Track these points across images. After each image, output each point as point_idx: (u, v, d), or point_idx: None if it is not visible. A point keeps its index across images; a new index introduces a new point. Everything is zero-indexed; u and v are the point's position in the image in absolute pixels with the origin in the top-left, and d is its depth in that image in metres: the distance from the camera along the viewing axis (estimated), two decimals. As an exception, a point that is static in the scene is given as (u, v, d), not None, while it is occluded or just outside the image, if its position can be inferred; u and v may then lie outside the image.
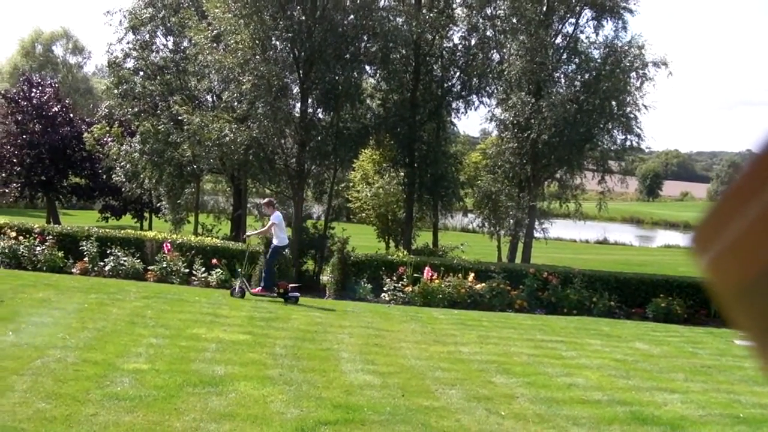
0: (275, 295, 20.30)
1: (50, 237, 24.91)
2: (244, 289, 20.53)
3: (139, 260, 23.95)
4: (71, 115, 55.53)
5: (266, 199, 23.16)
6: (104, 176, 47.84)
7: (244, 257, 22.36)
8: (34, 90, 54.17)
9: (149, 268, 23.82)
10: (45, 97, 53.69)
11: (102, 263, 23.97)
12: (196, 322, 15.31)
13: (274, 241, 20.82)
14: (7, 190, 56.89)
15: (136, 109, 38.94)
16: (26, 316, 14.24)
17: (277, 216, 20.81)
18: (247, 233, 24.30)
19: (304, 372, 11.40)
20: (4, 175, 54.46)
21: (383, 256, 26.63)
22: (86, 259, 24.15)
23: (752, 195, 0.75)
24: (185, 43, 37.56)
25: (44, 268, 23.81)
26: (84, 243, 24.35)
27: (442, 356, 13.74)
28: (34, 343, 11.69)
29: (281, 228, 21.01)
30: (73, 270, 23.92)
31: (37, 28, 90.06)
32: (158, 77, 38.40)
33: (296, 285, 21.19)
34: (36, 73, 72.50)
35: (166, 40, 40.94)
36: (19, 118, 53.33)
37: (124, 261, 23.71)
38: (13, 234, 24.80)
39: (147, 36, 40.41)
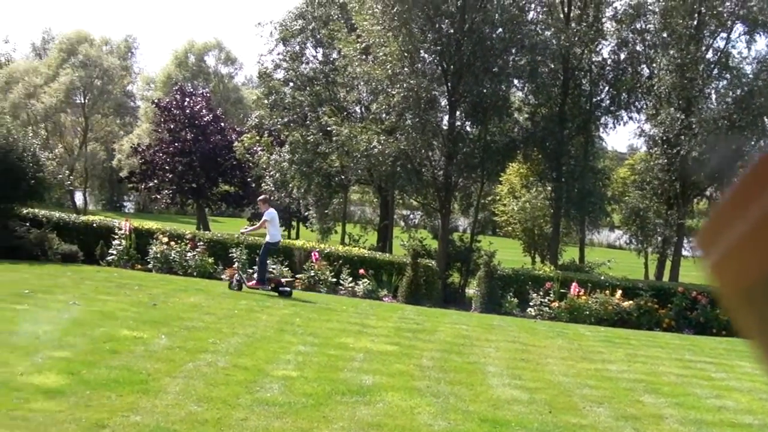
0: (269, 288, 21.11)
1: (201, 243, 25.47)
2: (242, 282, 21.32)
3: (287, 268, 24.30)
4: (222, 124, 56.74)
5: (262, 196, 24.08)
6: (254, 185, 48.80)
7: (390, 267, 22.46)
8: (186, 99, 55.54)
9: (297, 276, 24.14)
10: (197, 107, 55.00)
11: (251, 270, 24.39)
12: (343, 331, 15.44)
13: (267, 238, 21.73)
14: (159, 197, 58.52)
15: (285, 120, 39.52)
16: (178, 320, 14.59)
17: (270, 213, 21.53)
18: (242, 230, 25.14)
19: (451, 384, 11.37)
20: (156, 181, 56.02)
21: (530, 271, 26.43)
22: (236, 265, 24.59)
23: (754, 199, 0.75)
24: (334, 55, 37.95)
25: (195, 274, 24.38)
26: (234, 250, 24.80)
27: (589, 373, 13.54)
28: (186, 347, 11.96)
29: (274, 225, 21.69)
30: (222, 276, 24.39)
31: (190, 39, 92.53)
32: (308, 88, 38.90)
33: (289, 280, 22.28)
34: (188, 83, 74.41)
35: (316, 52, 41.55)
36: (172, 126, 54.78)
37: (273, 269, 24.07)
38: (165, 239, 25.44)
39: (297, 47, 41.07)
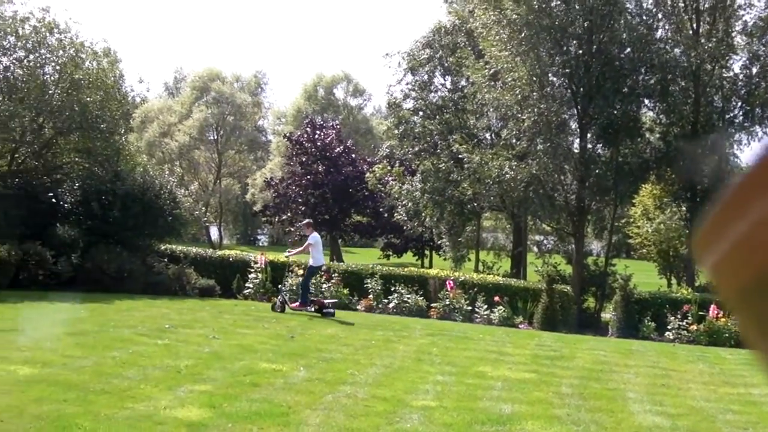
0: (312, 310, 21.42)
1: (336, 274, 25.70)
2: (285, 304, 21.65)
3: (422, 297, 24.33)
4: (353, 155, 57.32)
5: (306, 221, 24.35)
6: (386, 215, 49.14)
7: (525, 293, 22.23)
8: (317, 132, 56.34)
9: (432, 305, 24.15)
10: (328, 139, 55.72)
11: (386, 300, 24.50)
12: (481, 359, 15.35)
13: (310, 261, 22.02)
14: (292, 229, 59.32)
15: (416, 149, 39.72)
16: (316, 352, 14.71)
17: (314, 237, 22.15)
18: (287, 253, 24.58)
19: (591, 412, 11.19)
20: (289, 214, 56.87)
21: (667, 294, 25.92)
22: (371, 296, 24.75)
23: (754, 198, 0.74)
24: (463, 82, 38.04)
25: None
26: (368, 280, 24.99)
27: (731, 398, 13.16)
28: (325, 379, 12.03)
29: (317, 249, 22.19)
30: (358, 307, 24.56)
31: (319, 72, 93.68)
32: (437, 116, 39.03)
33: (332, 301, 22.40)
34: (318, 115, 75.43)
35: (444, 80, 41.68)
36: (304, 159, 55.62)
37: (408, 298, 24.14)
38: (301, 272, 25.73)
39: (425, 76, 41.27)
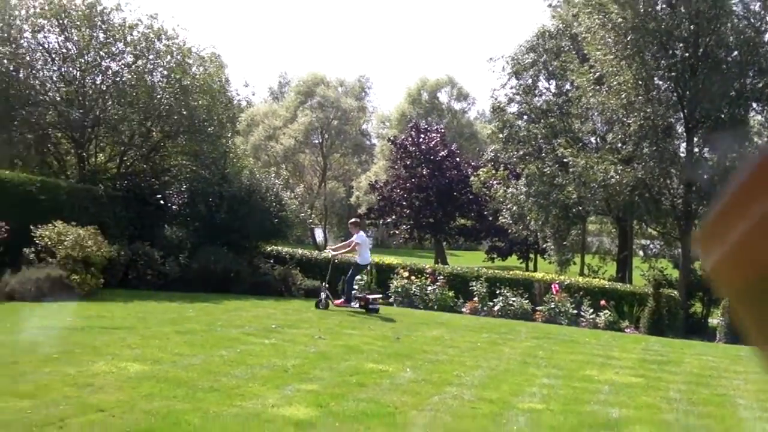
0: (357, 306, 21.46)
1: (441, 277, 25.89)
2: (328, 300, 21.52)
3: (527, 300, 24.39)
4: (457, 159, 57.30)
5: (353, 219, 24.76)
6: (490, 218, 49.11)
7: (631, 298, 22.14)
8: (421, 136, 56.47)
9: (537, 308, 24.19)
10: (432, 143, 55.81)
11: (491, 303, 24.61)
12: (587, 363, 15.33)
13: (357, 259, 22.19)
14: (397, 232, 59.59)
15: (520, 153, 39.63)
16: (422, 353, 14.80)
17: (361, 236, 22.35)
18: (330, 248, 25.43)
19: (700, 418, 11.12)
20: (394, 217, 57.17)
21: (776, 298, 25.47)
22: (476, 298, 24.86)
23: (755, 197, 0.78)
24: (567, 86, 37.90)
25: (435, 307, 24.77)
26: (474, 283, 25.12)
27: None
28: (431, 380, 12.12)
29: (365, 247, 22.34)
30: (463, 309, 24.69)
31: (423, 76, 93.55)
32: (542, 120, 38.90)
33: (377, 296, 22.52)
34: (422, 119, 75.55)
35: (549, 84, 41.52)
36: (408, 162, 55.80)
37: (513, 301, 24.21)
38: (406, 274, 25.98)
39: (529, 80, 41.16)
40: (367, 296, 22.06)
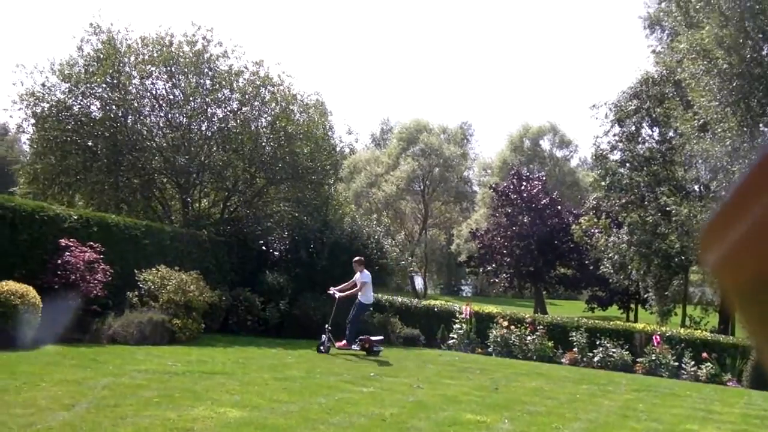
0: (358, 348, 20.65)
1: (541, 327, 25.60)
2: (330, 345, 20.67)
3: (627, 352, 23.95)
4: (558, 207, 56.95)
5: (357, 258, 22.50)
6: (591, 267, 48.56)
7: (734, 350, 21.58)
8: (523, 183, 56.30)
9: (638, 360, 23.75)
10: (534, 190, 55.59)
11: (591, 354, 24.24)
12: (688, 417, 14.99)
13: (362, 299, 21.22)
14: (496, 280, 59.29)
15: (623, 201, 39.22)
16: (520, 404, 14.62)
17: (366, 275, 21.43)
18: (335, 289, 22.16)
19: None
20: (494, 265, 56.94)
21: None
22: (575, 349, 24.53)
23: (756, 197, 0.77)
24: (671, 133, 37.42)
25: (534, 357, 24.51)
26: (573, 333, 24.80)
27: None
28: (529, 432, 12.01)
29: (370, 287, 21.50)
30: (562, 360, 24.40)
31: (525, 123, 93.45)
32: (645, 168, 38.47)
33: (379, 338, 21.51)
34: (524, 166, 75.35)
35: (652, 131, 41.07)
36: (509, 210, 55.66)
37: (613, 352, 23.82)
38: (505, 323, 25.74)
39: (633, 127, 40.77)
40: (370, 338, 21.20)
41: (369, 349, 20.75)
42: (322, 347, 20.54)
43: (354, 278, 21.79)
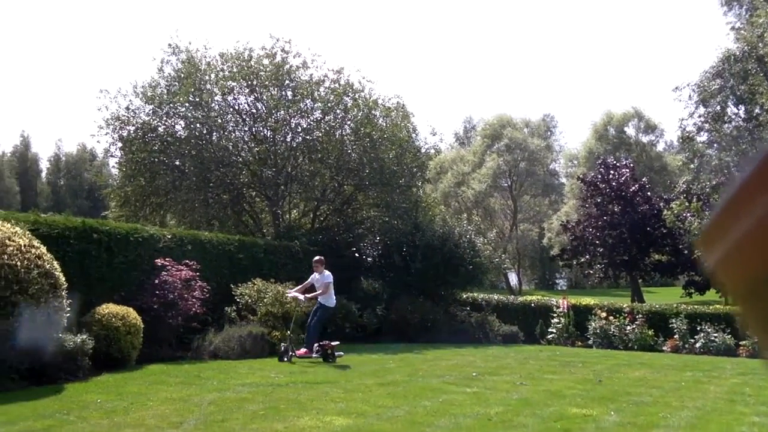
0: (317, 356, 18.72)
1: (639, 316, 25.41)
2: (291, 353, 18.58)
3: (730, 335, 23.62)
4: (648, 193, 56.24)
5: (318, 257, 20.26)
6: (686, 252, 47.88)
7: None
8: (611, 172, 55.73)
9: (741, 343, 23.39)
10: (622, 178, 54.99)
11: (692, 340, 23.98)
12: (796, 398, 14.78)
13: (324, 302, 19.37)
14: (591, 272, 58.80)
15: (713, 183, 38.64)
16: (625, 396, 14.52)
17: (329, 276, 19.48)
18: (293, 291, 20.18)
19: None
20: (587, 257, 56.46)
21: None
22: (676, 336, 24.29)
23: (757, 196, 0.78)
24: (757, 110, 36.76)
25: (635, 347, 24.33)
26: (673, 320, 24.55)
27: None
28: (636, 423, 11.83)
29: (332, 288, 19.53)
30: (663, 348, 24.18)
31: (608, 111, 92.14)
32: (733, 148, 37.83)
33: (336, 343, 19.17)
34: (610, 155, 74.46)
35: (737, 109, 40.33)
36: (599, 200, 55.12)
37: (715, 337, 23.53)
38: (603, 314, 25.61)
39: (717, 107, 40.07)
40: (331, 343, 18.97)
41: (330, 355, 18.83)
42: (285, 357, 18.46)
43: (311, 279, 19.93)
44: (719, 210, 0.85)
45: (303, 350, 19.00)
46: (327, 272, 19.59)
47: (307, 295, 19.56)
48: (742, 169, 0.82)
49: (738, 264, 0.83)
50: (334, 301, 19.84)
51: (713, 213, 0.87)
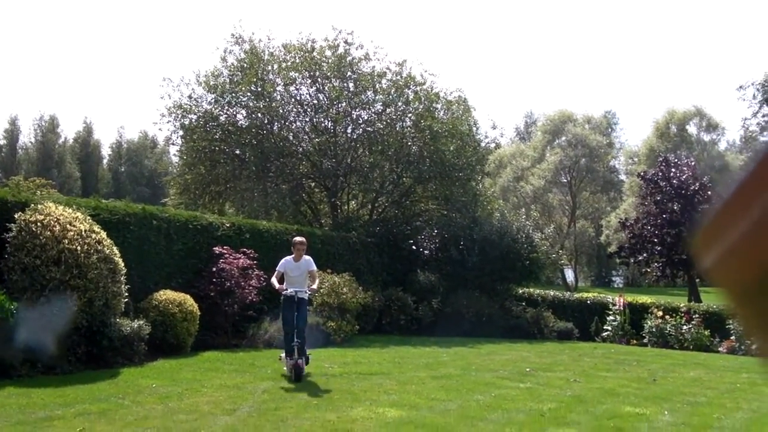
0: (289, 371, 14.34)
1: (696, 315, 25.17)
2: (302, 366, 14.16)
3: None
4: (709, 192, 55.61)
5: (300, 238, 15.65)
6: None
7: None
8: (672, 170, 55.16)
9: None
10: (683, 177, 54.42)
11: (749, 341, 23.65)
12: None
13: (306, 294, 14.92)
14: (648, 270, 58.22)
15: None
16: (680, 395, 14.38)
17: (313, 261, 15.34)
18: (277, 285, 14.93)
19: None
20: (645, 255, 55.92)
21: None
22: (733, 337, 24.00)
23: (755, 196, 0.77)
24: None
25: (691, 347, 24.11)
26: (730, 321, 24.26)
27: None
28: (690, 423, 11.72)
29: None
30: (719, 348, 23.92)
31: (670, 109, 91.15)
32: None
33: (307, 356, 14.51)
34: (671, 153, 73.76)
35: (804, 109, 39.83)
36: (659, 198, 54.57)
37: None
38: (660, 313, 25.41)
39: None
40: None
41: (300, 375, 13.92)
42: (297, 374, 13.80)
43: (285, 265, 15.06)
44: (717, 210, 0.84)
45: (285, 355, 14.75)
46: (309, 257, 15.28)
47: (311, 288, 15.23)
48: (741, 170, 0.81)
49: (735, 264, 0.83)
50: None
51: (711, 213, 0.85)
